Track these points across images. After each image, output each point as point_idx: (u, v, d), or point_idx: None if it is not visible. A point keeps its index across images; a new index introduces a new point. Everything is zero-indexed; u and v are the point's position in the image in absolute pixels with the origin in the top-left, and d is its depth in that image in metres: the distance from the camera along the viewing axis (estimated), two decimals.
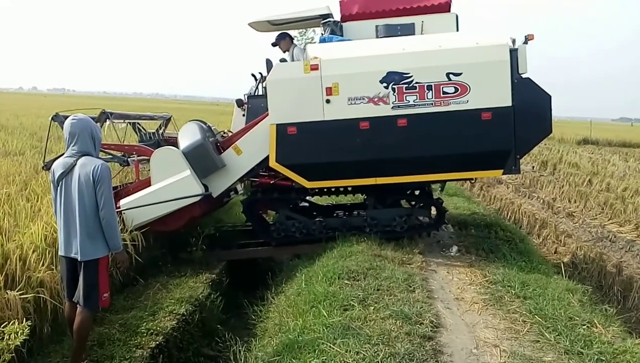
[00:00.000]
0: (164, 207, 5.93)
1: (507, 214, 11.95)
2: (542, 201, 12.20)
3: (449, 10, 6.74)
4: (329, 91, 5.92)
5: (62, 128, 3.90)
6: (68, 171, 3.67)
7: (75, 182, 3.64)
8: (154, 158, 6.16)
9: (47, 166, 6.35)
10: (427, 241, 6.81)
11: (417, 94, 5.85)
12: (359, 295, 4.48)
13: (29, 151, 9.68)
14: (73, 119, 3.78)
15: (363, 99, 5.90)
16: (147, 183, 6.14)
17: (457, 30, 6.69)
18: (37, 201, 5.79)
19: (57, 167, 3.74)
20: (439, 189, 9.37)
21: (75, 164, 3.67)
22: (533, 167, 16.83)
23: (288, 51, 7.30)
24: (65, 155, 3.76)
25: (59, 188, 3.71)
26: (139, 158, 6.52)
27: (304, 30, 16.85)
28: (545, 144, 24.15)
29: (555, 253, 9.25)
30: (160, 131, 8.09)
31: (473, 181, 7.70)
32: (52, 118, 6.25)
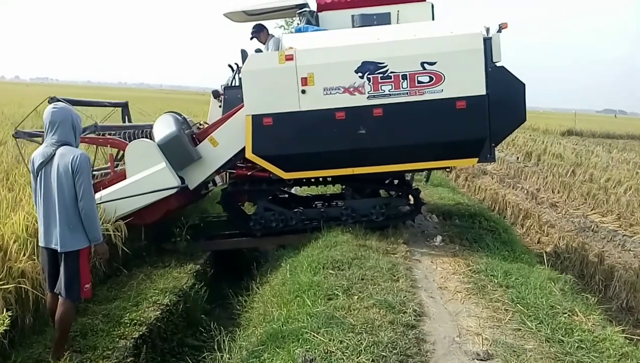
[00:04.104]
0: (140, 200, 5.86)
1: (492, 204, 12.03)
2: (526, 191, 12.31)
3: None
4: (304, 81, 5.90)
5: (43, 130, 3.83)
6: (47, 161, 3.62)
7: (54, 172, 3.59)
8: (129, 151, 6.10)
9: (17, 134, 6.27)
10: (411, 231, 6.84)
11: (392, 84, 5.86)
12: (344, 284, 4.50)
13: (11, 141, 9.51)
14: (54, 107, 3.72)
15: (339, 89, 5.89)
16: (122, 176, 6.08)
17: (433, 19, 6.68)
18: (18, 192, 5.71)
19: (37, 156, 3.68)
20: (424, 179, 9.41)
21: (55, 154, 3.61)
22: (517, 158, 16.97)
23: (267, 42, 7.22)
24: (44, 144, 3.71)
25: (38, 178, 3.66)
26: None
27: (291, 19, 16.74)
28: (530, 135, 24.38)
29: (538, 243, 9.35)
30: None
31: (449, 170, 7.77)
32: (14, 135, 6.22)
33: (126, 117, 8.08)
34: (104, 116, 8.09)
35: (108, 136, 6.73)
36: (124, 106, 8.13)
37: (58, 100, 6.22)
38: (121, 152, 6.61)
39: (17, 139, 6.50)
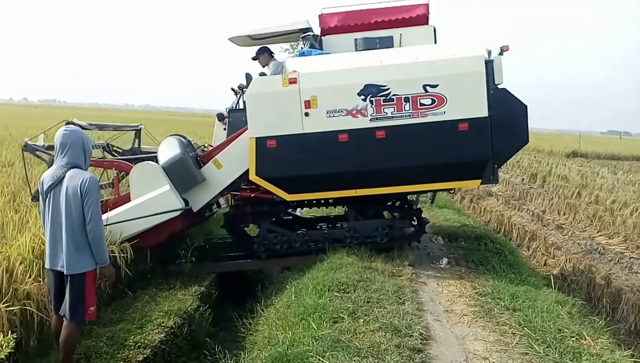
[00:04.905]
0: (144, 222, 5.86)
1: (497, 226, 11.99)
2: (531, 213, 12.27)
3: (427, 23, 6.82)
4: (307, 104, 5.95)
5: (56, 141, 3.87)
6: (57, 183, 3.65)
7: (63, 194, 3.62)
8: (133, 173, 6.13)
9: (36, 198, 6.35)
10: (417, 253, 6.81)
11: (395, 106, 5.90)
12: (349, 307, 4.47)
13: (18, 162, 9.60)
14: (65, 130, 3.77)
15: (341, 111, 5.94)
16: (126, 199, 6.10)
17: (435, 42, 6.77)
18: (25, 213, 5.74)
19: (46, 178, 3.72)
20: (430, 201, 9.40)
21: (64, 176, 3.65)
22: (523, 179, 16.94)
23: (267, 65, 7.28)
24: (54, 166, 3.74)
25: (47, 199, 3.69)
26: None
27: (296, 43, 16.97)
28: (535, 157, 24.37)
29: (544, 265, 9.29)
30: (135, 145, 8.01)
31: (452, 192, 7.79)
32: (23, 148, 6.31)
33: (137, 140, 8.16)
34: (111, 136, 8.16)
35: (113, 159, 6.78)
36: (138, 130, 8.23)
37: (81, 126, 6.28)
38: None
39: (25, 160, 6.57)
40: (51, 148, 6.33)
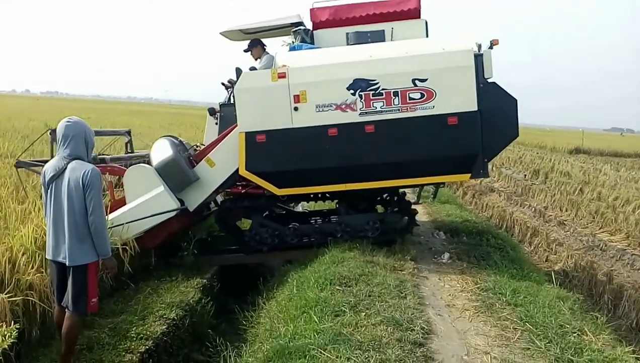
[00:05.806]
0: (140, 225, 5.88)
1: (499, 222, 11.99)
2: (533, 209, 12.25)
3: (419, 17, 6.80)
4: (296, 98, 5.95)
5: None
6: (59, 175, 3.65)
7: (65, 186, 3.62)
8: (127, 177, 6.14)
9: (19, 164, 6.49)
10: (419, 248, 6.82)
11: (384, 101, 5.89)
12: (351, 301, 4.48)
13: (21, 153, 9.60)
14: (68, 121, 3.76)
15: (331, 106, 5.94)
16: (122, 203, 6.11)
17: (427, 36, 6.75)
18: (28, 204, 5.75)
19: (48, 170, 3.72)
20: (432, 196, 9.41)
21: (66, 167, 3.64)
22: (525, 175, 16.91)
23: (260, 58, 7.26)
24: (56, 157, 3.74)
25: (49, 191, 3.69)
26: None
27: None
28: (537, 153, 24.33)
29: (546, 261, 9.29)
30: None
31: (442, 186, 7.74)
32: (15, 166, 6.47)
33: (128, 144, 8.19)
34: (107, 144, 8.20)
35: (106, 164, 6.78)
36: (127, 134, 8.25)
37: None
38: None
39: (28, 149, 6.60)
40: (34, 164, 6.41)
